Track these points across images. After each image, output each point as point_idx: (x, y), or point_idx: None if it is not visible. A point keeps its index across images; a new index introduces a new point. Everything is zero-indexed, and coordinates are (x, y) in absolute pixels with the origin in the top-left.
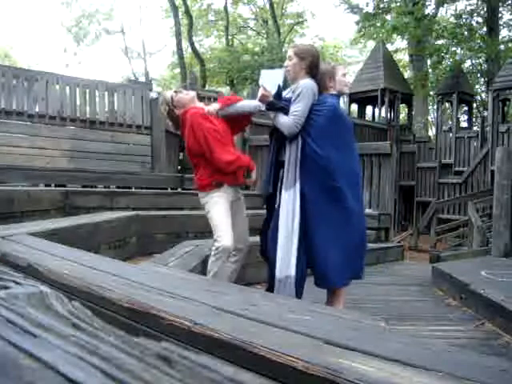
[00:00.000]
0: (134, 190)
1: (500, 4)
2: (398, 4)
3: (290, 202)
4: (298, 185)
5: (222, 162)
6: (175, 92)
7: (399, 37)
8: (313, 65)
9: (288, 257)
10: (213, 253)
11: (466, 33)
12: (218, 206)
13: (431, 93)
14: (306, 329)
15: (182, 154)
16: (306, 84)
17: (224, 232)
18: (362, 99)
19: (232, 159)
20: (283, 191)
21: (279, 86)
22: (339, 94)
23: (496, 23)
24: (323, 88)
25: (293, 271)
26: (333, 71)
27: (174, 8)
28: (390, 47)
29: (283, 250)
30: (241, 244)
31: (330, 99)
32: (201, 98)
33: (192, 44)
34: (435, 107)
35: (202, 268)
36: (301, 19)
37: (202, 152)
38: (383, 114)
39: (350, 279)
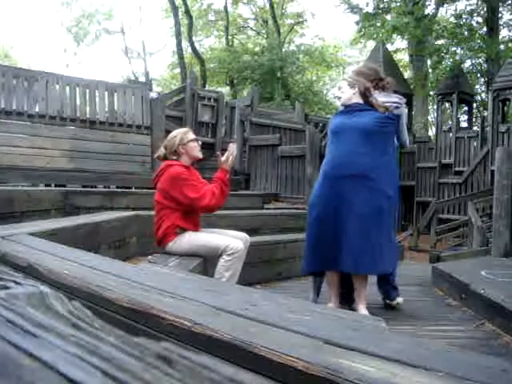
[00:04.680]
0: (133, 189)
1: (500, 4)
2: (398, 4)
3: None
4: None
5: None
6: (196, 141)
7: (399, 37)
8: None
9: None
10: (226, 259)
11: (466, 33)
12: (195, 235)
13: (431, 93)
14: (306, 329)
15: None
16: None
17: (222, 242)
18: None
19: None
20: None
21: None
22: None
23: (496, 23)
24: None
25: None
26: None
27: (174, 8)
28: (390, 47)
29: None
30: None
31: None
32: (201, 98)
33: (192, 44)
34: (435, 107)
35: (201, 268)
36: (301, 19)
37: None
38: None
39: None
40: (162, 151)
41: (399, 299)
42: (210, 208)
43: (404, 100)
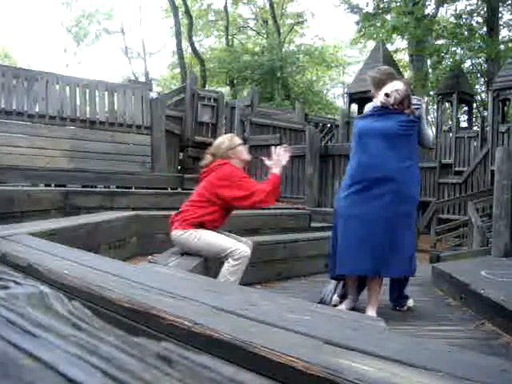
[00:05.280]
0: (134, 189)
1: (500, 4)
2: (398, 4)
3: None
4: None
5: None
6: (243, 144)
7: (399, 37)
8: None
9: None
10: (233, 263)
11: (466, 33)
12: (208, 233)
13: (431, 93)
14: (306, 329)
15: (182, 154)
16: None
17: (232, 244)
18: (362, 99)
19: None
20: None
21: None
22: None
23: (496, 23)
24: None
25: None
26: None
27: (174, 8)
28: (390, 47)
29: None
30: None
31: None
32: (201, 98)
33: (192, 44)
34: (435, 107)
35: (201, 268)
36: (301, 19)
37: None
38: None
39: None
40: (208, 159)
41: (410, 302)
42: (258, 203)
43: (423, 100)
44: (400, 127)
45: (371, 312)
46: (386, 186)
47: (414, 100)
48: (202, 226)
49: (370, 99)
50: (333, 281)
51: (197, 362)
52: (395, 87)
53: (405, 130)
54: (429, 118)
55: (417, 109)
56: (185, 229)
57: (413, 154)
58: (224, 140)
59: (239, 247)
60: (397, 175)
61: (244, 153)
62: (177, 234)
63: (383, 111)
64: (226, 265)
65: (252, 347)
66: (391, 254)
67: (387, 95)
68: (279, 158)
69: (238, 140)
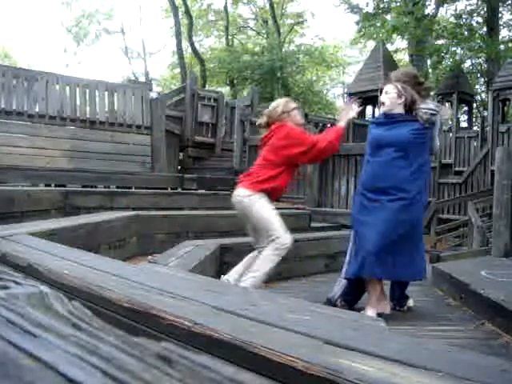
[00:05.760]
0: (134, 189)
1: (500, 4)
2: (398, 4)
3: None
4: None
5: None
6: (298, 109)
7: (399, 37)
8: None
9: None
10: (274, 251)
11: (466, 33)
12: (270, 207)
13: (431, 93)
14: (306, 329)
15: (182, 154)
16: None
17: (283, 231)
18: (362, 99)
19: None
20: None
21: None
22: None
23: (496, 23)
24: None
25: None
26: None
27: (174, 8)
28: (390, 47)
29: None
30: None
31: None
32: (201, 98)
33: (192, 44)
34: None
35: (202, 268)
36: (301, 19)
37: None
38: None
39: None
40: (263, 120)
41: (410, 302)
42: (322, 151)
43: (441, 107)
44: (413, 136)
45: (370, 312)
46: (395, 195)
47: (431, 105)
48: (267, 192)
49: (369, 99)
50: (343, 280)
51: (197, 362)
52: (386, 92)
53: (417, 138)
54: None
55: (432, 114)
56: (249, 189)
57: (424, 160)
58: (279, 104)
59: (284, 237)
60: (407, 185)
61: (298, 117)
62: (240, 194)
63: (396, 119)
64: (267, 249)
65: (252, 347)
66: (399, 258)
67: (383, 104)
68: (347, 109)
69: (292, 104)
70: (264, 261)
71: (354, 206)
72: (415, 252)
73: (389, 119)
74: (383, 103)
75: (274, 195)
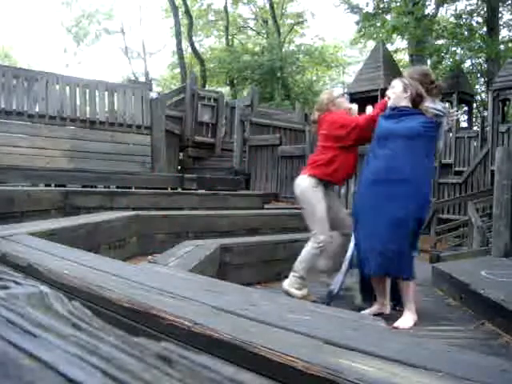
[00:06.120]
0: (134, 189)
1: (500, 4)
2: (398, 4)
3: None
4: None
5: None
6: (343, 95)
7: (399, 37)
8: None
9: None
10: (311, 249)
11: (466, 33)
12: (323, 203)
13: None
14: (306, 329)
15: (181, 154)
16: None
17: (326, 229)
18: (362, 99)
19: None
20: None
21: None
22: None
23: (496, 23)
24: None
25: None
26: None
27: (174, 8)
28: (390, 47)
29: None
30: (348, 228)
31: None
32: (201, 98)
33: (192, 44)
34: None
35: (202, 268)
36: (301, 19)
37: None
38: None
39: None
40: (315, 114)
41: None
42: (362, 127)
43: (448, 110)
44: (422, 128)
45: (370, 310)
46: (400, 187)
47: (439, 106)
48: (319, 178)
49: (370, 99)
50: (342, 271)
51: (197, 362)
52: (392, 87)
53: (427, 131)
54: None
55: (438, 116)
56: (302, 174)
57: (429, 154)
58: (323, 96)
59: (322, 236)
60: (413, 177)
61: (344, 103)
62: (299, 179)
63: (404, 112)
64: (306, 246)
65: (252, 347)
66: (394, 255)
67: (388, 98)
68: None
69: (336, 93)
70: (301, 259)
71: (360, 199)
72: (410, 250)
73: (396, 112)
74: (388, 97)
75: (331, 180)
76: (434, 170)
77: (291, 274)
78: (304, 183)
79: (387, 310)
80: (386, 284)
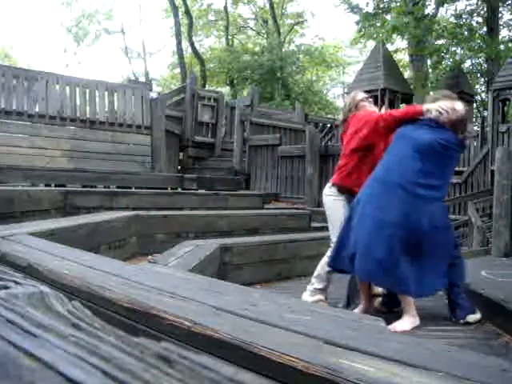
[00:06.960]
0: (134, 189)
1: (500, 4)
2: (398, 4)
3: None
4: None
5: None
6: (367, 98)
7: (399, 37)
8: None
9: None
10: (328, 254)
11: (466, 33)
12: (341, 213)
13: (431, 93)
14: (306, 329)
15: (182, 154)
16: None
17: (335, 237)
18: None
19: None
20: None
21: None
22: None
23: (496, 23)
24: None
25: None
26: None
27: (174, 8)
28: (390, 47)
29: None
30: None
31: None
32: (201, 98)
33: (192, 44)
34: None
35: (202, 268)
36: (301, 19)
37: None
38: None
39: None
40: (340, 118)
41: (470, 317)
42: (385, 118)
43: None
44: (438, 143)
45: (358, 309)
46: (401, 191)
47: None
48: (337, 186)
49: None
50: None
51: (197, 362)
52: (444, 104)
53: (443, 147)
54: None
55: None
56: (331, 183)
57: (444, 173)
58: (346, 102)
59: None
60: (408, 186)
61: (367, 107)
62: (326, 186)
63: (431, 123)
64: (326, 255)
65: (252, 347)
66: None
67: (428, 110)
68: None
69: (358, 97)
70: (319, 268)
71: (360, 195)
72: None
73: (424, 122)
74: (428, 110)
75: (353, 189)
76: (444, 194)
77: (308, 286)
78: (326, 191)
79: (372, 308)
80: (368, 285)
